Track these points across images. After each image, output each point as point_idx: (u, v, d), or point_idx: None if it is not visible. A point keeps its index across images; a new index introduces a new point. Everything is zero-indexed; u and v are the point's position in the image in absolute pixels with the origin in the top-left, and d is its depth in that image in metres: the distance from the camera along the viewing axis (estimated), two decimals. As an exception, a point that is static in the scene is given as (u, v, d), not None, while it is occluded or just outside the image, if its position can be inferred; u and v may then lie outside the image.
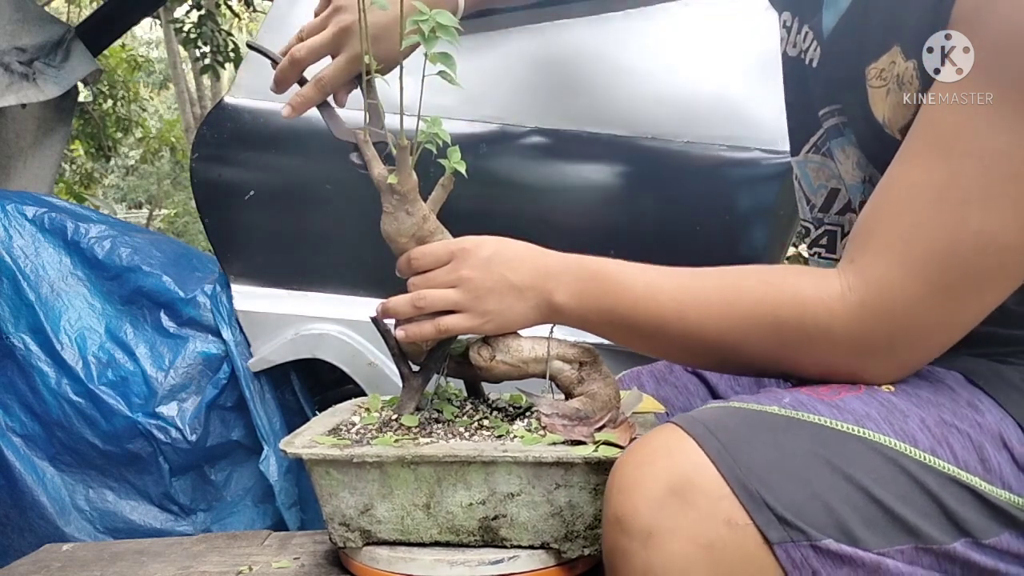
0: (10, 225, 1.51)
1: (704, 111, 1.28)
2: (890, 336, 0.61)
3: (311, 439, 0.75)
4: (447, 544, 0.74)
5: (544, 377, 0.77)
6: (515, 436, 0.76)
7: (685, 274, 0.70)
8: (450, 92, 0.86)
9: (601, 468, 0.69)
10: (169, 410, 1.44)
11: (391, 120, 0.76)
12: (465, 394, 0.88)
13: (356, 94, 0.87)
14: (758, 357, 0.67)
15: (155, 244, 1.61)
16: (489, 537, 0.73)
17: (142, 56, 9.79)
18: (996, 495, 0.59)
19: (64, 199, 1.91)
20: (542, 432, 0.75)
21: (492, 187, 1.32)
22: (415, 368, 0.81)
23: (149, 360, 1.47)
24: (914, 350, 0.62)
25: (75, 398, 1.43)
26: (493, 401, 0.87)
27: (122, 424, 1.42)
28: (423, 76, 0.68)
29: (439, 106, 0.99)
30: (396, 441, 0.74)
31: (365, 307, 1.30)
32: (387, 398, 0.90)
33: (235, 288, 1.45)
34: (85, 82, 2.41)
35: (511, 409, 0.84)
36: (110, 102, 6.75)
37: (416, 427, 0.77)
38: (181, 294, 1.49)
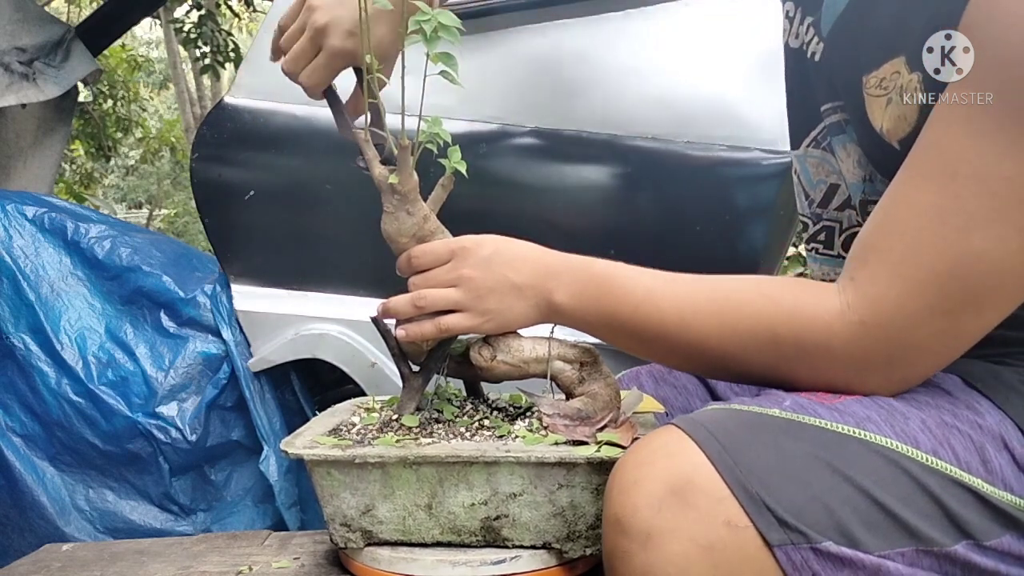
0: (10, 225, 1.51)
1: (704, 111, 1.28)
2: (889, 354, 0.61)
3: (312, 439, 0.75)
4: (449, 544, 0.74)
5: (544, 377, 0.77)
6: (516, 436, 0.76)
7: (687, 281, 0.69)
8: (450, 92, 0.86)
9: (603, 468, 0.69)
10: (169, 410, 1.44)
11: (391, 120, 0.76)
12: (465, 394, 0.88)
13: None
14: (756, 368, 0.67)
15: (155, 244, 1.61)
16: (491, 537, 0.73)
17: (142, 56, 9.79)
18: (998, 497, 0.59)
19: (64, 199, 1.91)
20: (543, 432, 0.75)
21: (492, 187, 1.32)
22: (415, 368, 0.81)
23: (149, 360, 1.47)
24: (912, 368, 0.63)
25: (75, 398, 1.43)
26: (493, 401, 0.87)
27: (122, 424, 1.42)
28: (424, 76, 0.68)
29: (439, 106, 0.99)
30: (397, 441, 0.74)
31: (365, 307, 1.30)
32: (387, 398, 0.90)
33: (235, 288, 1.45)
34: (85, 82, 2.41)
35: (511, 409, 0.84)
36: (110, 102, 6.75)
37: (417, 427, 0.77)
38: (181, 294, 1.49)
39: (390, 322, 0.80)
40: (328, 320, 1.40)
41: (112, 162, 8.58)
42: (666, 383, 0.94)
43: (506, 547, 0.73)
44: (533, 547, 0.73)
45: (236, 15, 6.51)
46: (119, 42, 5.71)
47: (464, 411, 0.82)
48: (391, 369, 1.36)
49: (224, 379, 1.45)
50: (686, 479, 0.56)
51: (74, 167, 7.46)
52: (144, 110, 9.97)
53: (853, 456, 0.57)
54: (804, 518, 0.55)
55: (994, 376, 0.66)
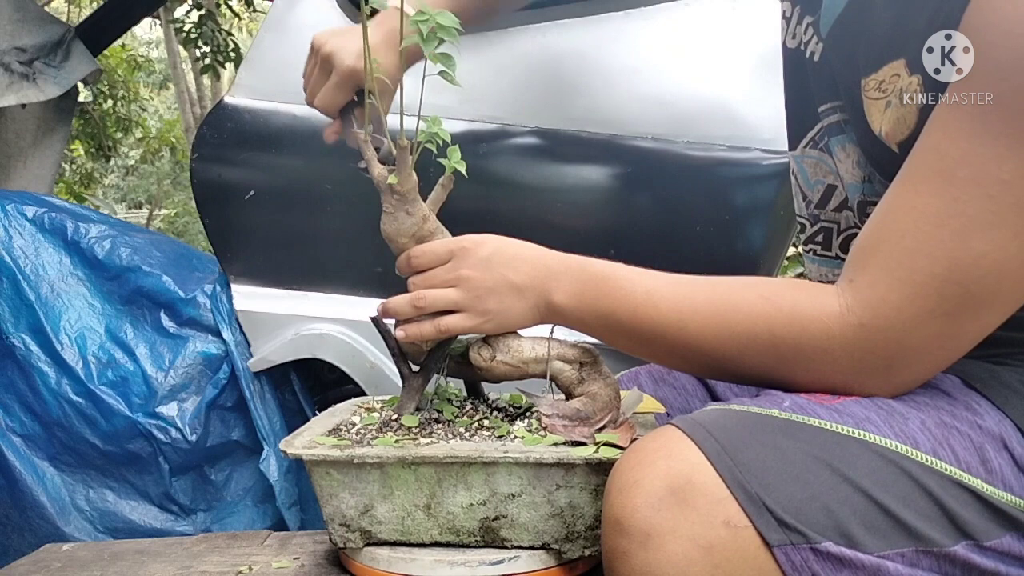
0: (10, 225, 1.51)
1: (704, 111, 1.28)
2: (888, 357, 0.61)
3: (311, 440, 0.75)
4: (447, 544, 0.74)
5: (544, 377, 0.77)
6: (515, 437, 0.76)
7: (686, 282, 0.69)
8: (450, 92, 0.86)
9: (602, 469, 0.69)
10: (169, 410, 1.44)
11: (391, 120, 0.76)
12: (465, 394, 0.88)
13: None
14: (755, 370, 0.67)
15: (155, 244, 1.61)
16: (489, 538, 0.73)
17: (142, 56, 9.80)
18: (998, 497, 0.59)
19: (64, 199, 1.91)
20: (543, 433, 0.75)
21: (492, 187, 1.32)
22: (415, 368, 0.81)
23: (149, 360, 1.47)
24: (911, 371, 0.63)
25: (75, 398, 1.43)
26: (493, 401, 0.87)
27: (122, 424, 1.42)
28: (423, 76, 0.68)
29: (439, 106, 0.99)
30: (396, 441, 0.74)
31: (365, 307, 1.30)
32: (386, 398, 0.90)
33: (235, 288, 1.45)
34: (85, 82, 2.41)
35: (511, 409, 0.84)
36: (110, 102, 6.75)
37: (416, 427, 0.77)
38: (181, 294, 1.49)
39: (390, 322, 0.80)
40: (328, 320, 1.40)
41: (112, 162, 8.59)
42: (666, 383, 0.94)
43: (505, 547, 0.73)
44: (532, 547, 0.73)
45: (236, 15, 6.52)
46: (119, 42, 5.71)
47: (464, 411, 0.82)
48: (391, 369, 1.36)
49: (224, 379, 1.45)
50: (685, 479, 0.56)
51: (74, 167, 7.47)
52: (144, 110, 9.97)
53: (853, 456, 0.57)
54: (803, 518, 0.55)
55: (993, 376, 0.66)
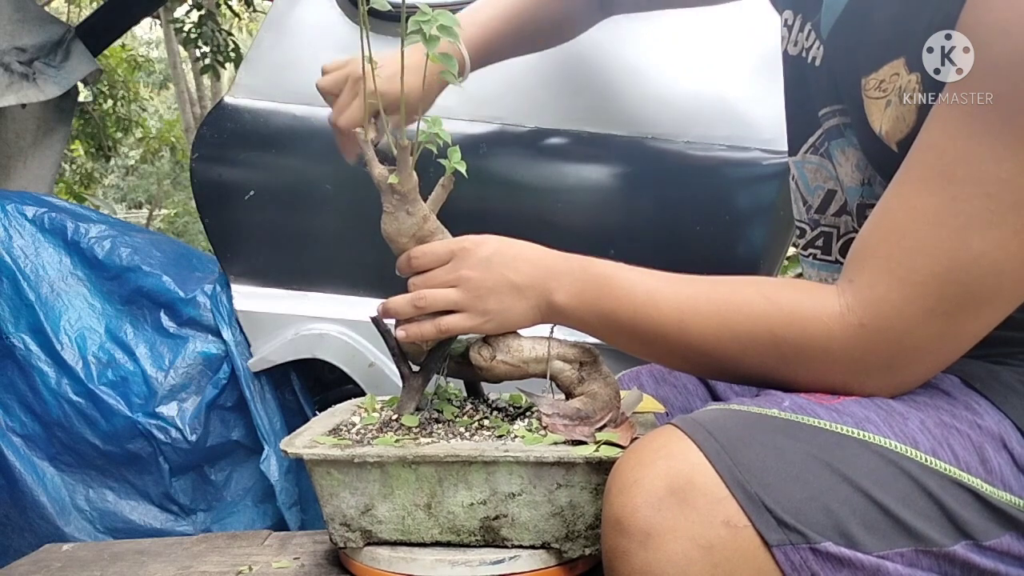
0: (10, 225, 1.51)
1: (704, 111, 1.28)
2: (888, 357, 0.61)
3: (312, 439, 0.75)
4: (448, 544, 0.74)
5: (544, 377, 0.77)
6: (516, 436, 0.76)
7: (686, 282, 0.69)
8: (450, 92, 0.87)
9: (602, 468, 0.69)
10: (169, 410, 1.43)
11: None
12: (465, 394, 0.88)
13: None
14: (755, 370, 0.67)
15: (155, 244, 1.61)
16: (490, 537, 0.73)
17: (142, 56, 9.80)
18: (998, 497, 0.59)
19: (64, 199, 1.91)
20: (543, 432, 0.75)
21: (492, 187, 1.32)
22: (415, 368, 0.81)
23: (149, 360, 1.46)
24: (911, 370, 0.63)
25: (75, 398, 1.43)
26: (493, 401, 0.87)
27: (122, 424, 1.42)
28: (424, 76, 0.68)
29: (439, 106, 0.99)
30: (397, 441, 0.74)
31: (365, 307, 1.30)
32: (386, 398, 0.90)
33: (235, 288, 1.45)
34: (85, 82, 2.41)
35: (511, 409, 0.84)
36: (110, 102, 6.75)
37: (416, 427, 0.77)
38: (181, 294, 1.49)
39: (390, 322, 0.80)
40: (328, 320, 1.40)
41: (112, 162, 8.59)
42: (666, 383, 0.94)
43: (505, 547, 0.73)
44: (532, 547, 0.73)
45: (236, 15, 6.52)
46: (119, 42, 5.71)
47: (464, 411, 0.83)
48: (391, 369, 1.36)
49: (224, 379, 1.45)
50: (685, 479, 0.56)
51: (74, 167, 7.47)
52: (144, 110, 9.97)
53: (852, 456, 0.57)
54: (803, 518, 0.55)
55: (993, 376, 0.66)
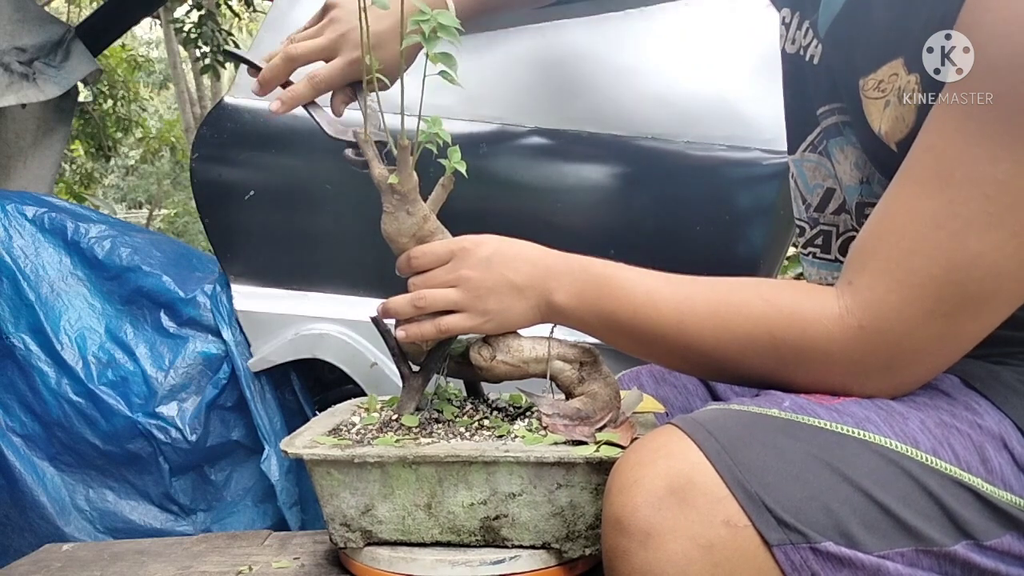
0: (10, 225, 1.51)
1: (704, 111, 1.28)
2: (888, 359, 0.61)
3: (312, 439, 0.75)
4: (448, 544, 0.74)
5: (544, 377, 0.77)
6: (516, 436, 0.76)
7: (686, 283, 0.69)
8: (450, 92, 0.86)
9: (602, 468, 0.69)
10: (169, 410, 1.44)
11: (391, 120, 0.76)
12: (465, 394, 0.88)
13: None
14: (755, 371, 0.67)
15: (155, 244, 1.61)
16: (490, 537, 0.73)
17: (142, 56, 9.80)
18: (998, 496, 0.59)
19: (64, 199, 1.91)
20: (543, 432, 0.75)
21: (492, 187, 1.32)
22: (415, 368, 0.81)
23: (149, 360, 1.47)
24: (911, 372, 0.63)
25: (75, 398, 1.43)
26: (493, 401, 0.87)
27: (122, 424, 1.42)
28: (424, 76, 0.68)
29: (439, 106, 0.99)
30: (397, 441, 0.74)
31: (365, 307, 1.30)
32: (386, 398, 0.90)
33: (235, 288, 1.45)
34: (85, 82, 2.41)
35: (511, 409, 0.84)
36: (110, 102, 6.75)
37: (417, 427, 0.77)
38: (181, 294, 1.49)
39: (390, 322, 0.80)
40: (328, 320, 1.40)
41: (112, 162, 8.59)
42: (666, 383, 0.94)
43: (505, 547, 0.73)
44: (532, 547, 0.73)
45: (236, 15, 6.51)
46: (119, 42, 5.71)
47: (464, 411, 0.83)
48: (391, 369, 1.36)
49: (224, 379, 1.45)
50: (685, 479, 0.56)
51: (74, 167, 7.47)
52: (144, 110, 9.97)
53: (852, 456, 0.57)
54: (803, 518, 0.55)
55: (993, 376, 0.66)
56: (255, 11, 6.12)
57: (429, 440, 0.74)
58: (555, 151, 1.32)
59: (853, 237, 0.67)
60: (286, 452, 0.73)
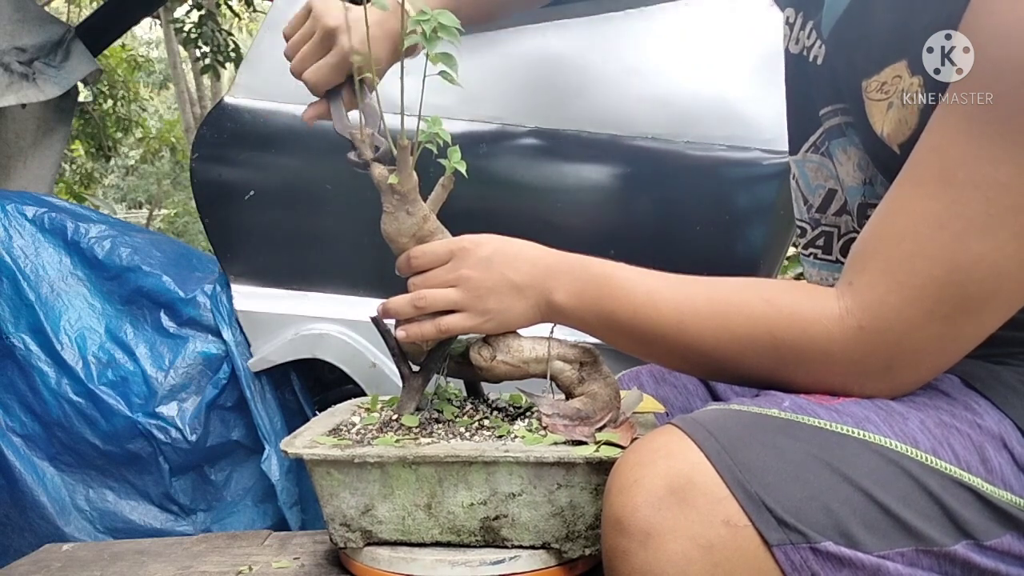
0: (10, 225, 1.51)
1: (704, 111, 1.28)
2: (888, 359, 0.61)
3: (312, 439, 0.75)
4: (448, 544, 0.74)
5: (544, 377, 0.77)
6: (516, 436, 0.76)
7: (687, 283, 0.69)
8: (450, 92, 0.86)
9: (602, 468, 0.69)
10: (169, 410, 1.44)
11: (391, 120, 0.76)
12: (465, 394, 0.88)
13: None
14: (755, 372, 0.67)
15: (155, 244, 1.61)
16: (490, 537, 0.73)
17: (142, 56, 9.80)
18: (998, 496, 0.59)
19: (64, 199, 1.91)
20: (543, 432, 0.75)
21: (492, 187, 1.32)
22: (415, 368, 0.81)
23: (149, 360, 1.47)
24: (911, 373, 0.63)
25: (75, 398, 1.43)
26: (493, 401, 0.87)
27: (122, 424, 1.42)
28: (424, 76, 0.68)
29: (439, 106, 0.99)
30: (397, 441, 0.74)
31: (365, 307, 1.30)
32: (386, 398, 0.90)
33: (235, 288, 1.45)
34: (85, 82, 2.41)
35: (511, 409, 0.84)
36: (110, 102, 6.75)
37: (417, 427, 0.77)
38: (181, 294, 1.49)
39: (390, 322, 0.80)
40: (328, 320, 1.41)
41: (112, 162, 8.59)
42: (666, 383, 0.94)
43: (505, 547, 0.73)
44: (532, 547, 0.73)
45: (236, 15, 6.51)
46: (119, 42, 5.71)
47: (464, 411, 0.83)
48: (391, 369, 1.36)
49: (224, 379, 1.45)
50: (685, 479, 0.56)
51: (74, 167, 7.47)
52: (144, 110, 9.97)
53: (852, 456, 0.57)
54: (803, 518, 0.55)
55: (993, 376, 0.66)
56: (255, 11, 6.12)
57: (429, 440, 0.74)
58: (555, 151, 1.32)
59: (854, 238, 0.67)
60: (286, 452, 0.73)
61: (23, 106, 2.14)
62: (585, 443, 0.71)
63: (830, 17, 0.73)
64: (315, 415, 0.86)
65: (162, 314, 1.50)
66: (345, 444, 0.74)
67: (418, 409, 0.81)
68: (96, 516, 1.45)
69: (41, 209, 1.54)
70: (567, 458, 0.69)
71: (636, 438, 0.71)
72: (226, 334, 1.45)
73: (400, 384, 0.82)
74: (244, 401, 1.44)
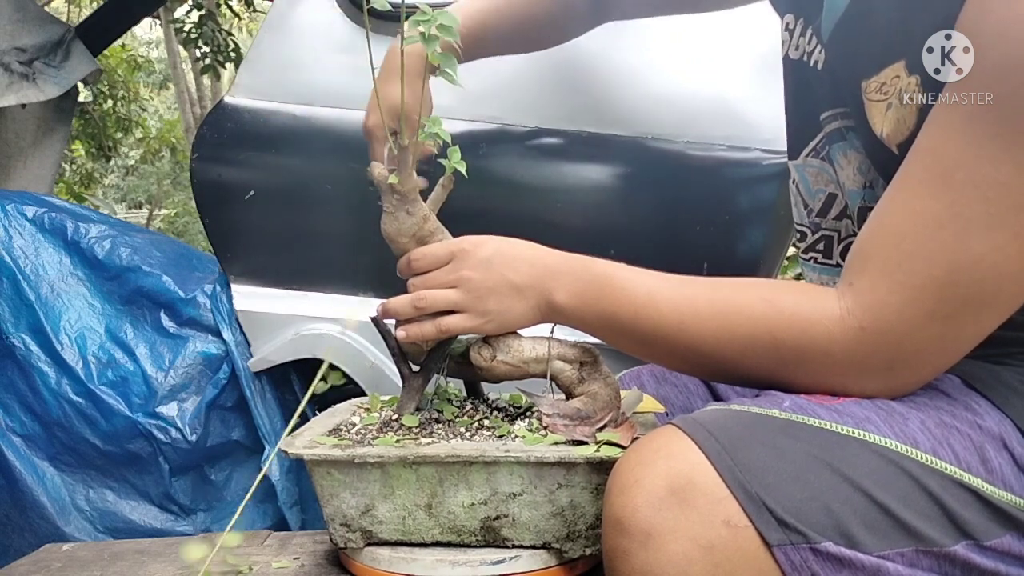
0: (10, 225, 1.51)
1: (704, 111, 1.28)
2: (889, 360, 0.61)
3: (312, 439, 0.75)
4: (448, 544, 0.74)
5: (544, 377, 0.77)
6: (516, 436, 0.76)
7: (687, 284, 0.69)
8: (450, 92, 0.86)
9: (603, 468, 0.69)
10: (169, 410, 1.43)
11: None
12: (465, 394, 0.88)
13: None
14: (756, 372, 0.67)
15: (155, 244, 1.61)
16: (491, 537, 0.73)
17: (142, 56, 9.80)
18: (998, 496, 0.59)
19: (64, 199, 1.91)
20: (543, 432, 0.75)
21: (492, 187, 1.32)
22: (415, 368, 0.81)
23: (149, 360, 1.46)
24: (912, 373, 0.63)
25: (75, 398, 1.43)
26: (493, 401, 0.87)
27: (122, 424, 1.42)
28: (424, 76, 0.68)
29: (439, 106, 0.99)
30: (397, 441, 0.74)
31: (365, 307, 1.30)
32: (386, 398, 0.90)
33: (235, 288, 1.45)
34: (85, 82, 2.41)
35: (511, 409, 0.84)
36: (110, 102, 6.75)
37: (417, 427, 0.77)
38: (181, 294, 1.49)
39: (390, 322, 0.80)
40: (328, 320, 1.40)
41: (112, 162, 8.59)
42: (667, 382, 0.94)
43: (506, 547, 0.73)
44: (533, 547, 0.73)
45: (236, 15, 6.51)
46: (119, 42, 5.71)
47: (464, 411, 0.83)
48: (391, 369, 1.36)
49: (224, 379, 1.45)
50: (686, 479, 0.56)
51: (74, 167, 7.46)
52: (144, 110, 9.97)
53: (852, 456, 0.57)
54: (803, 518, 0.55)
55: (993, 377, 0.66)
56: (255, 11, 6.12)
57: (429, 440, 0.74)
58: (555, 151, 1.32)
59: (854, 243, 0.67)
60: (286, 452, 0.73)
61: (23, 106, 2.14)
62: (585, 443, 0.71)
63: (829, 21, 0.73)
64: (315, 415, 0.86)
65: (162, 314, 1.50)
66: (345, 444, 0.74)
67: (418, 409, 0.81)
68: (96, 516, 1.45)
69: (41, 209, 1.54)
70: (567, 458, 0.69)
71: (636, 438, 0.71)
72: (226, 334, 1.45)
73: (400, 384, 0.82)
74: (244, 401, 1.44)
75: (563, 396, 0.79)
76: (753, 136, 1.25)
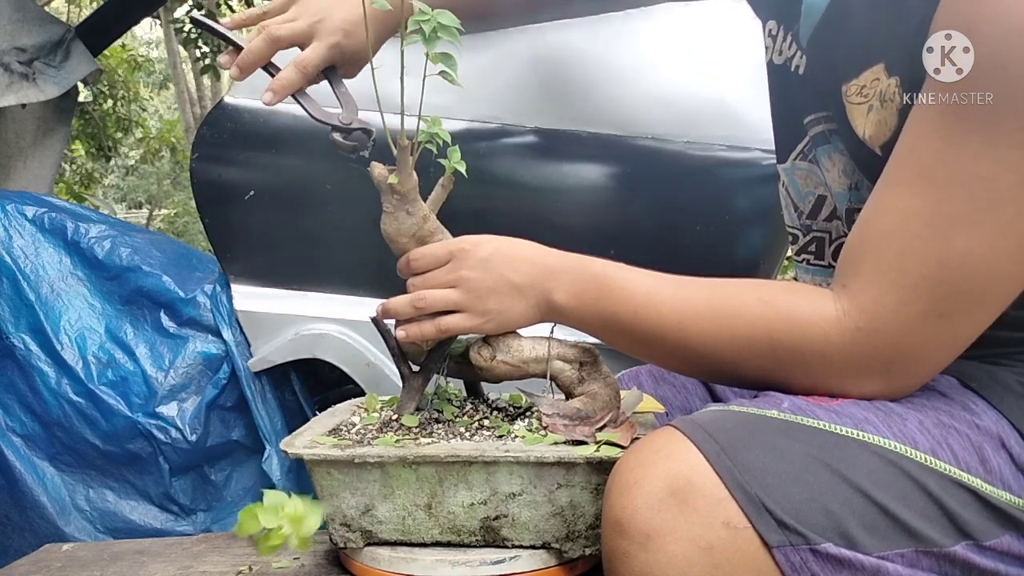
0: (10, 225, 1.51)
1: (703, 111, 1.28)
2: (886, 360, 0.62)
3: (312, 439, 0.75)
4: (448, 544, 0.74)
5: (544, 377, 0.77)
6: (516, 436, 0.76)
7: (687, 285, 0.70)
8: (450, 92, 0.86)
9: (603, 468, 0.69)
10: (169, 410, 1.43)
11: (391, 120, 0.76)
12: (465, 394, 0.88)
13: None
14: (753, 373, 0.67)
15: (155, 244, 1.61)
16: (490, 537, 0.73)
17: (142, 56, 9.80)
18: (997, 496, 0.59)
19: (64, 199, 1.91)
20: (543, 432, 0.75)
21: (492, 187, 1.32)
22: (415, 368, 0.81)
23: (149, 360, 1.46)
24: (909, 373, 0.63)
25: (75, 398, 1.43)
26: (493, 401, 0.87)
27: (122, 424, 1.42)
28: (424, 76, 0.68)
29: (439, 106, 0.99)
30: (397, 441, 0.74)
31: (365, 307, 1.30)
32: (386, 398, 0.90)
33: (235, 288, 1.45)
34: (85, 82, 2.41)
35: (511, 409, 0.84)
36: (110, 102, 6.75)
37: (417, 427, 0.77)
38: (181, 294, 1.49)
39: (390, 322, 0.80)
40: (328, 320, 1.40)
41: (112, 162, 8.59)
42: (666, 382, 0.94)
43: (505, 547, 0.73)
44: (532, 547, 0.73)
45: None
46: (119, 42, 5.71)
47: (464, 411, 0.83)
48: (391, 369, 1.36)
49: (224, 379, 1.45)
50: (685, 480, 0.56)
51: (74, 167, 7.46)
52: (144, 110, 9.97)
53: (852, 457, 0.57)
54: (803, 519, 0.55)
55: (990, 377, 0.66)
56: (255, 11, 6.11)
57: (429, 440, 0.74)
58: (555, 151, 1.32)
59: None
60: (286, 452, 0.73)
61: (23, 106, 2.14)
62: (585, 443, 0.71)
63: (807, 26, 0.73)
64: (315, 415, 0.86)
65: (162, 314, 1.50)
66: (345, 444, 0.74)
67: (418, 409, 0.81)
68: (96, 516, 1.45)
69: (41, 209, 1.54)
70: (567, 458, 0.69)
71: (636, 438, 0.71)
72: (226, 334, 1.45)
73: (400, 384, 0.82)
74: (244, 401, 1.44)
75: (563, 396, 0.79)
76: (753, 136, 1.25)
